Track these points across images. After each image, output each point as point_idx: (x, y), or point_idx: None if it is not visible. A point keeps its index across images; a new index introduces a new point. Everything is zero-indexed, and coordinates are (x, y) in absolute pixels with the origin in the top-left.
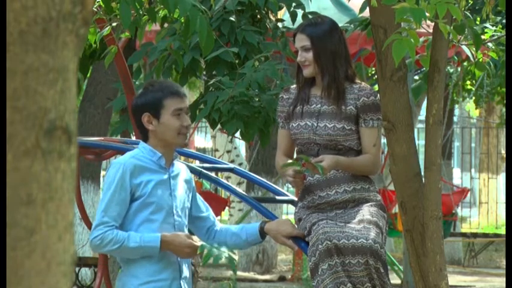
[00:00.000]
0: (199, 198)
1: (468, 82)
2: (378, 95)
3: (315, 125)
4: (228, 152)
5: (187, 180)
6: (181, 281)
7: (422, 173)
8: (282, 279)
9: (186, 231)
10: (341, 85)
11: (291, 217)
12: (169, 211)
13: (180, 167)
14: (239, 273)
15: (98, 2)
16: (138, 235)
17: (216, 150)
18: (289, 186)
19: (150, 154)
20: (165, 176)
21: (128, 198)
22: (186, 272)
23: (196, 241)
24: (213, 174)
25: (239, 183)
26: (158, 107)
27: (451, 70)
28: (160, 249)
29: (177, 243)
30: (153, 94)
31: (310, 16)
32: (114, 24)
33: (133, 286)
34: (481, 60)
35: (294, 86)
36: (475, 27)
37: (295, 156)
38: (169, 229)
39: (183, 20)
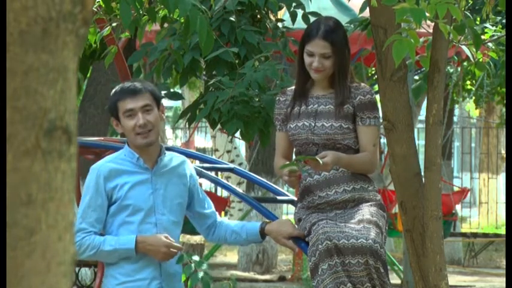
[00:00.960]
0: (203, 194)
1: (468, 82)
2: (374, 93)
3: (313, 124)
4: (228, 152)
5: (183, 174)
6: (161, 280)
7: (423, 173)
8: (282, 279)
9: (175, 229)
10: (347, 89)
11: (291, 217)
12: (149, 211)
13: (174, 163)
14: (239, 273)
15: (98, 2)
16: (115, 238)
17: (216, 150)
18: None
19: (129, 155)
20: (146, 176)
21: (106, 203)
22: (170, 270)
23: (174, 242)
24: (213, 174)
25: (239, 183)
26: (116, 111)
27: (451, 70)
28: (136, 251)
29: (153, 243)
30: (111, 99)
31: (310, 16)
32: (114, 24)
33: (112, 286)
34: (481, 60)
35: (290, 88)
36: (475, 27)
37: (293, 157)
38: (150, 229)
39: (183, 20)
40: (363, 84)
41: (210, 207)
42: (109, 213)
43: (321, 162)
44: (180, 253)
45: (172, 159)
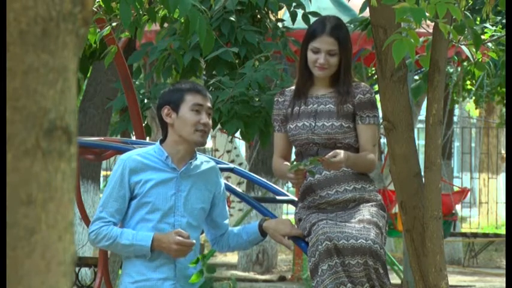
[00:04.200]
0: (225, 206)
1: (468, 82)
2: (374, 92)
3: (313, 124)
4: (228, 152)
5: (210, 181)
6: (175, 280)
7: (423, 173)
8: (282, 279)
9: (194, 232)
10: (350, 85)
11: (291, 217)
12: (168, 211)
13: (203, 167)
14: (239, 273)
15: (98, 2)
16: (132, 233)
17: (216, 150)
18: (289, 186)
19: (159, 153)
20: (172, 176)
21: (128, 195)
22: (186, 272)
23: (186, 238)
24: None
25: (239, 183)
26: (179, 101)
27: (451, 70)
28: (152, 248)
29: (166, 240)
30: (176, 89)
31: (310, 16)
32: (114, 24)
33: (126, 284)
34: (480, 60)
35: (289, 88)
36: (475, 27)
37: (292, 158)
38: (167, 229)
39: (183, 20)
40: (362, 83)
41: (226, 218)
42: (130, 207)
43: (338, 156)
44: (195, 254)
45: (202, 164)
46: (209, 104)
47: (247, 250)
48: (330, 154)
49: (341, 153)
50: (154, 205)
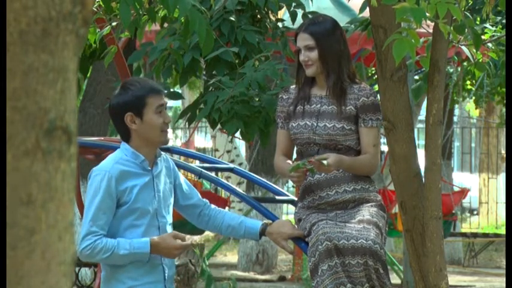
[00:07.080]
0: (185, 183)
1: (468, 82)
2: (378, 95)
3: (315, 124)
4: (228, 152)
5: (169, 174)
6: (165, 283)
7: (423, 173)
8: (282, 279)
9: (170, 230)
10: (345, 84)
11: (291, 217)
12: (153, 214)
13: (163, 162)
14: (239, 273)
15: (98, 2)
16: (128, 241)
17: (216, 150)
18: (289, 186)
19: (133, 157)
20: (149, 178)
21: (114, 205)
22: (170, 272)
23: (184, 239)
24: (213, 174)
25: (239, 183)
26: (141, 106)
27: (451, 70)
28: (150, 254)
29: (165, 245)
30: (133, 93)
31: (310, 16)
32: (114, 24)
33: None
34: (480, 60)
35: (294, 86)
36: (475, 27)
37: (294, 156)
38: (154, 231)
39: (183, 20)
40: (368, 86)
41: (195, 196)
42: (115, 215)
43: (325, 163)
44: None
45: (161, 159)
46: (166, 101)
47: (246, 250)
48: (320, 156)
49: (331, 156)
50: (144, 210)
